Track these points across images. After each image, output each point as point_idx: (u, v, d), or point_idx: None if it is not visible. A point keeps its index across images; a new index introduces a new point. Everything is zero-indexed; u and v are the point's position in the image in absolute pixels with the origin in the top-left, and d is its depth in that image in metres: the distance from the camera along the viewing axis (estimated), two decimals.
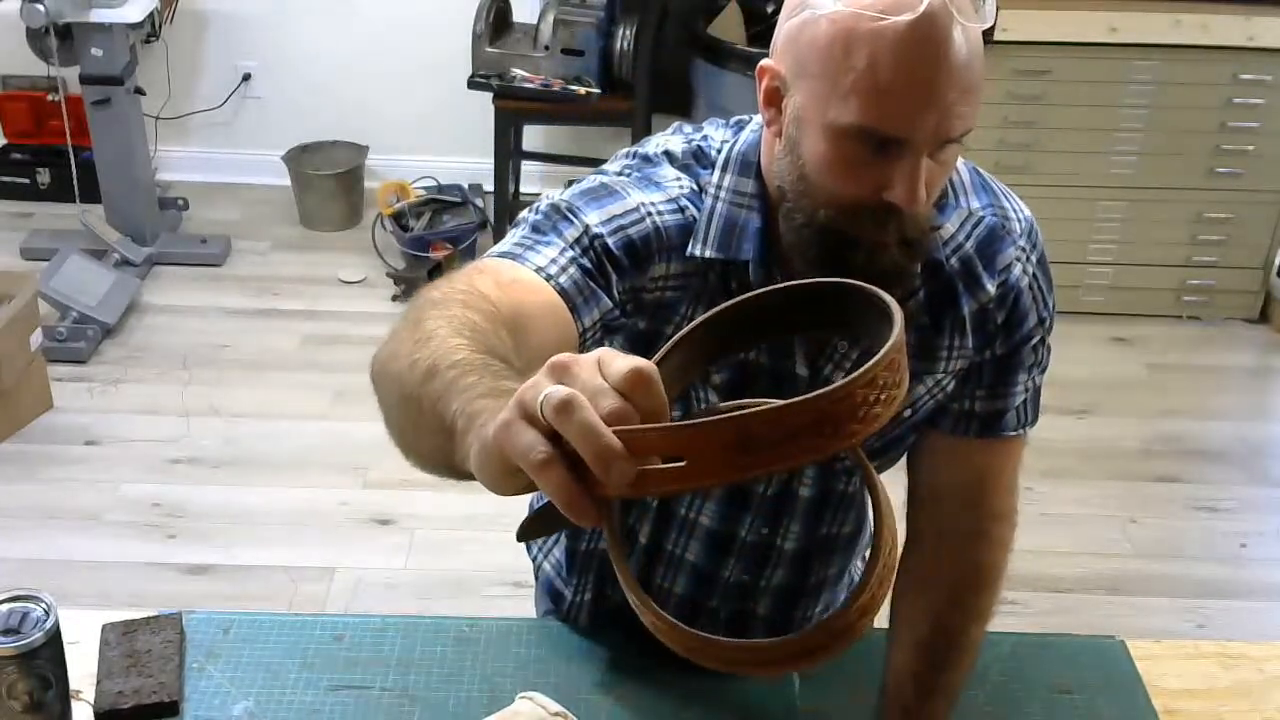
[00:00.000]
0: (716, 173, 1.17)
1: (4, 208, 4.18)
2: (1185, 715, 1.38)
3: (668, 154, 1.19)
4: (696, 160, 1.18)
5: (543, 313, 1.02)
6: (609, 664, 1.42)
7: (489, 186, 3.97)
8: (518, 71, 3.74)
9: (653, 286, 1.15)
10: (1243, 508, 3.12)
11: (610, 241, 1.10)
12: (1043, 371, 1.30)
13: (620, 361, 0.70)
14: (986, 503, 1.31)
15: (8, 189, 4.20)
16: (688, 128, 1.24)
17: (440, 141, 4.20)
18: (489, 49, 3.76)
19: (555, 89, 3.67)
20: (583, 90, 3.67)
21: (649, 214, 1.13)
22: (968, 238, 1.19)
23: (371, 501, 3.01)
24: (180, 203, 4.16)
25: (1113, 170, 3.64)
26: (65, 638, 1.28)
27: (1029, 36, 3.46)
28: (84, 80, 3.67)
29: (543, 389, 0.69)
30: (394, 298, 3.76)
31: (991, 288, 1.19)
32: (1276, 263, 3.78)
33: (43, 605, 1.27)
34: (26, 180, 4.19)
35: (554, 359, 0.71)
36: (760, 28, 3.84)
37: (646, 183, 1.16)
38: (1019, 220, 1.23)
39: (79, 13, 3.53)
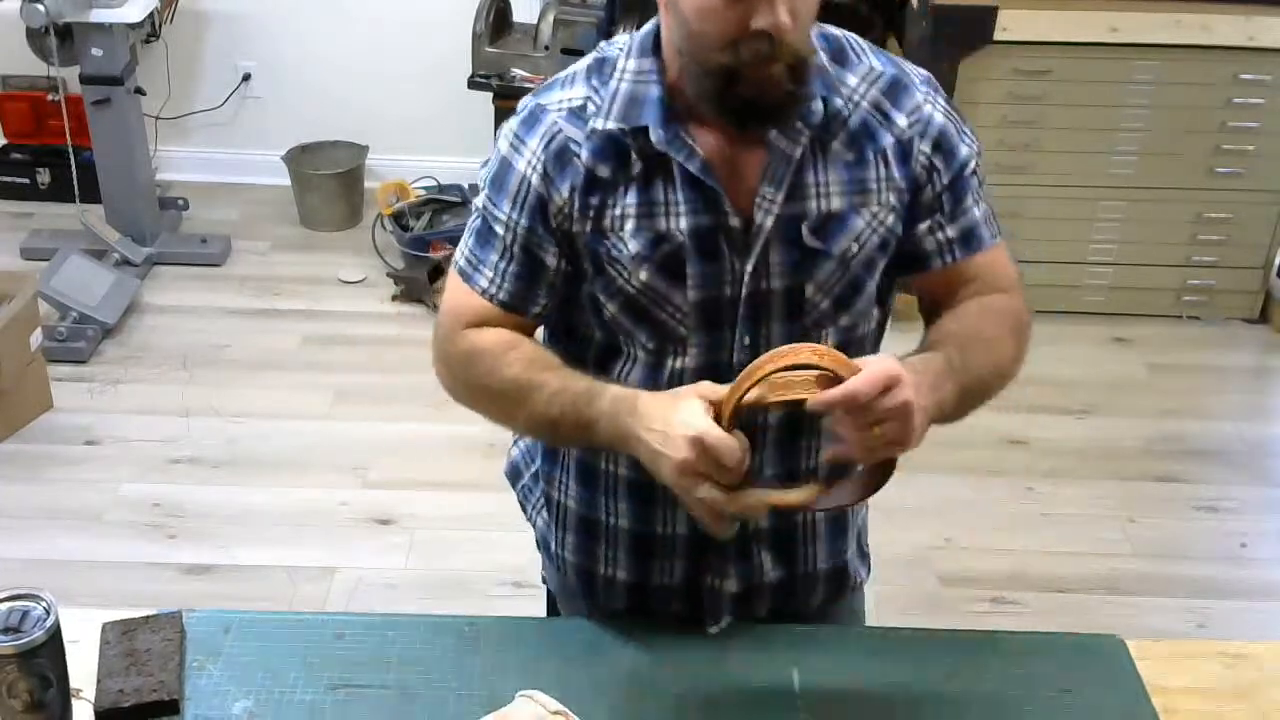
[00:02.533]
0: (621, 60, 1.35)
1: (4, 208, 4.18)
2: (1185, 715, 1.38)
3: (571, 78, 1.37)
4: (597, 70, 1.36)
5: (502, 321, 1.39)
6: (609, 663, 1.42)
7: None
8: (518, 71, 3.74)
9: (561, 215, 1.35)
10: (1243, 508, 3.12)
11: (521, 228, 1.36)
12: (984, 187, 1.44)
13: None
14: (991, 286, 1.43)
15: (8, 189, 4.20)
16: (603, 45, 1.40)
17: (440, 141, 4.20)
18: (489, 49, 3.76)
19: None
20: None
21: (532, 168, 1.35)
22: (870, 86, 1.36)
23: (371, 501, 3.01)
24: (180, 203, 4.16)
25: (1113, 170, 3.64)
26: (65, 637, 1.28)
27: (1029, 36, 3.46)
28: (84, 80, 3.67)
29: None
30: (394, 298, 3.75)
31: (902, 120, 1.36)
32: (1276, 263, 3.78)
33: (43, 604, 1.27)
34: (26, 180, 4.19)
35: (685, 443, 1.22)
36: None
37: (527, 134, 1.36)
38: (915, 75, 1.40)
39: (79, 13, 3.53)
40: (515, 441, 1.63)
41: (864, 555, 1.64)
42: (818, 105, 1.30)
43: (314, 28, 4.15)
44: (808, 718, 1.37)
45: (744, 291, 1.35)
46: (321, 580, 2.78)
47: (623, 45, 1.37)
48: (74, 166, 3.79)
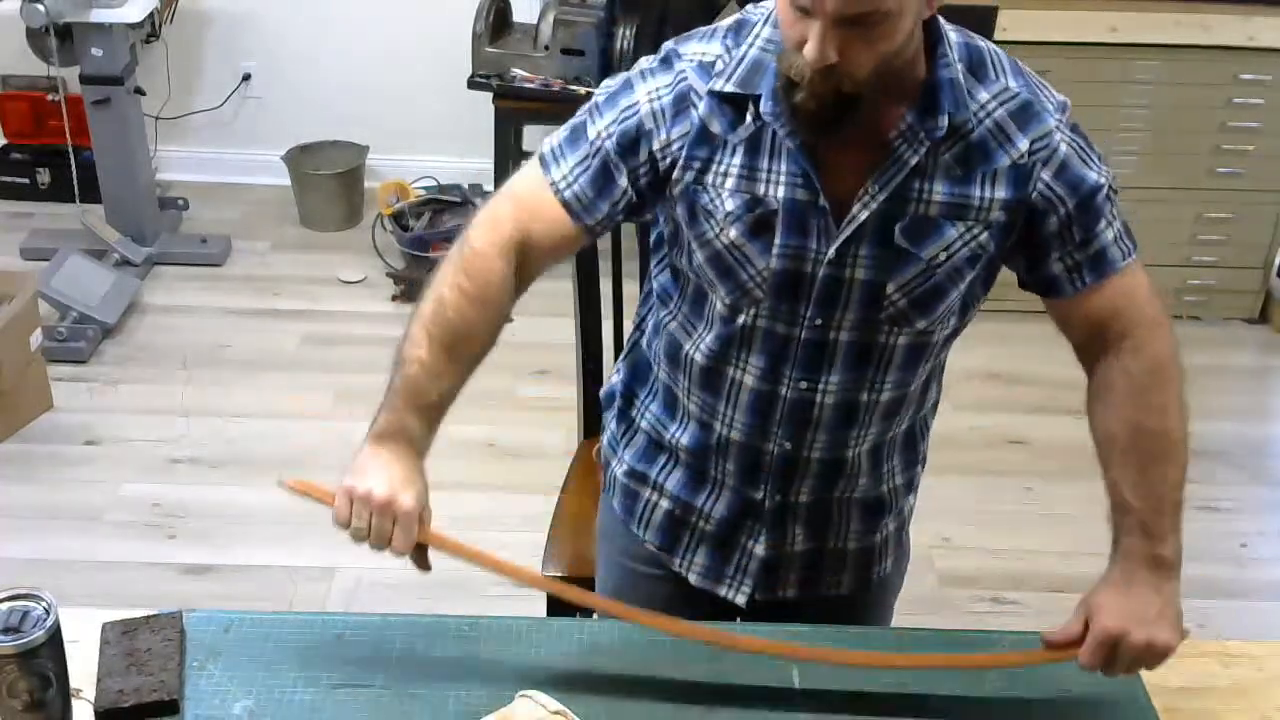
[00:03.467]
0: (758, 25, 1.37)
1: (4, 208, 4.18)
2: (1185, 715, 1.39)
3: (711, 33, 1.40)
4: (735, 31, 1.38)
5: (548, 223, 1.42)
6: (609, 663, 1.42)
7: (489, 186, 3.96)
8: (518, 71, 3.74)
9: (662, 154, 1.38)
10: (1243, 508, 3.12)
11: (609, 145, 1.39)
12: (1116, 206, 1.44)
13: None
14: (1133, 320, 1.43)
15: (8, 189, 4.20)
16: (752, 4, 1.42)
17: (440, 141, 4.20)
18: (489, 49, 3.76)
19: (555, 89, 3.67)
20: (583, 90, 3.67)
21: (649, 101, 1.38)
22: (1000, 105, 1.35)
23: None
24: (180, 203, 4.16)
25: (1112, 170, 3.63)
26: (65, 637, 1.28)
27: (1029, 36, 3.45)
28: (84, 80, 3.67)
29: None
30: (394, 298, 3.76)
31: (1024, 144, 1.35)
32: (1276, 263, 3.78)
33: (43, 604, 1.27)
34: (26, 180, 4.19)
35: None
36: None
37: (658, 70, 1.40)
38: (1051, 100, 1.39)
39: (79, 13, 3.53)
40: (617, 368, 1.69)
41: (901, 548, 1.66)
42: (944, 120, 1.31)
43: (314, 28, 4.15)
44: (808, 718, 1.37)
45: (822, 273, 1.37)
46: (321, 580, 2.78)
47: (766, 10, 1.38)
48: (74, 166, 3.79)
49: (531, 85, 3.71)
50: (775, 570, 1.57)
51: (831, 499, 1.54)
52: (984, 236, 1.37)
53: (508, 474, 3.04)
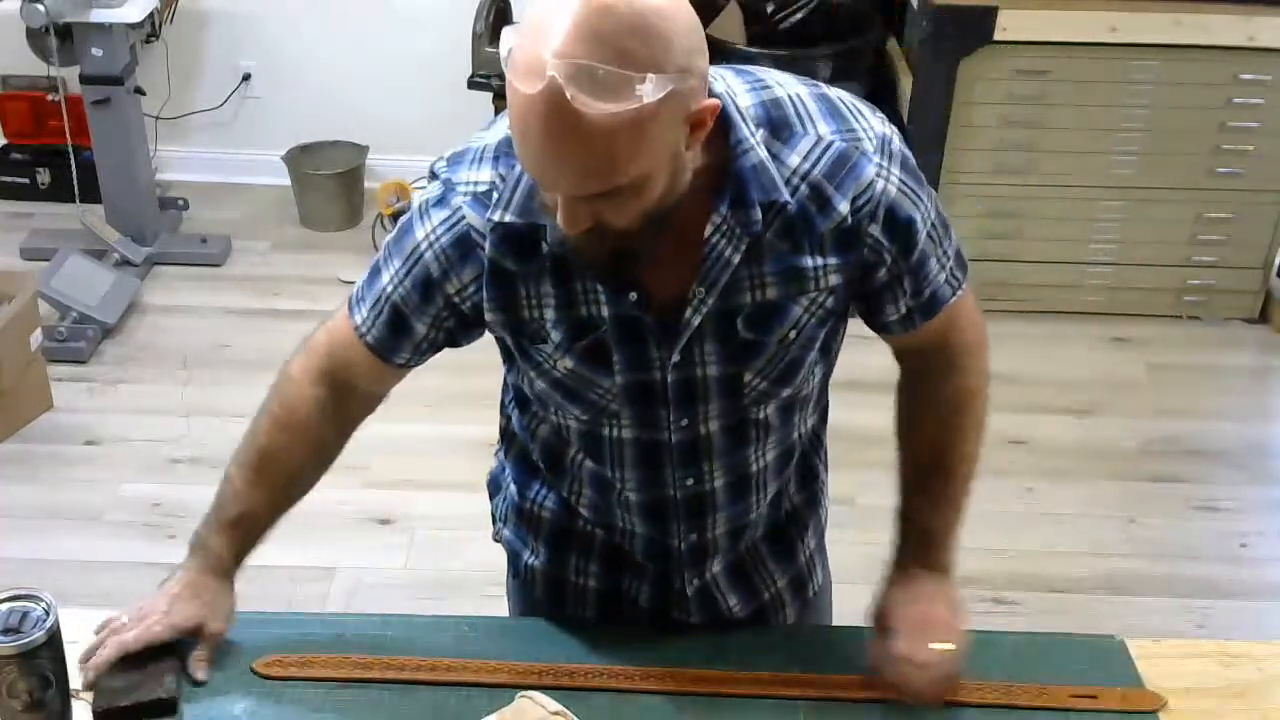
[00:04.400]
0: None
1: (4, 208, 4.18)
2: (1185, 715, 1.38)
3: (480, 154, 1.29)
4: (508, 150, 1.24)
5: (360, 359, 1.39)
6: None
7: None
8: None
9: (460, 299, 1.31)
10: (1243, 508, 3.12)
11: (399, 294, 1.33)
12: (949, 238, 1.37)
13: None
14: (952, 346, 1.42)
15: (8, 189, 4.20)
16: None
17: (440, 141, 4.14)
18: (489, 49, 3.75)
19: None
20: None
21: (428, 245, 1.29)
22: (814, 164, 1.24)
23: (371, 501, 3.01)
24: (180, 203, 4.16)
25: (1113, 170, 3.64)
26: (65, 637, 1.28)
27: (1029, 36, 3.45)
28: (84, 80, 3.67)
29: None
30: None
31: (843, 207, 1.25)
32: (1276, 263, 3.78)
33: (43, 604, 1.27)
34: (26, 180, 4.19)
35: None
36: (760, 28, 3.84)
37: (434, 208, 1.29)
38: (869, 139, 1.26)
39: (79, 13, 3.53)
40: (496, 453, 1.63)
41: (823, 553, 1.63)
42: (755, 213, 1.21)
43: (314, 28, 4.15)
44: (808, 718, 1.37)
45: (670, 378, 1.31)
46: (321, 580, 2.78)
47: None
48: (74, 166, 3.79)
49: None
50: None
51: (742, 556, 1.51)
52: (830, 302, 1.31)
53: None
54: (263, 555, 2.87)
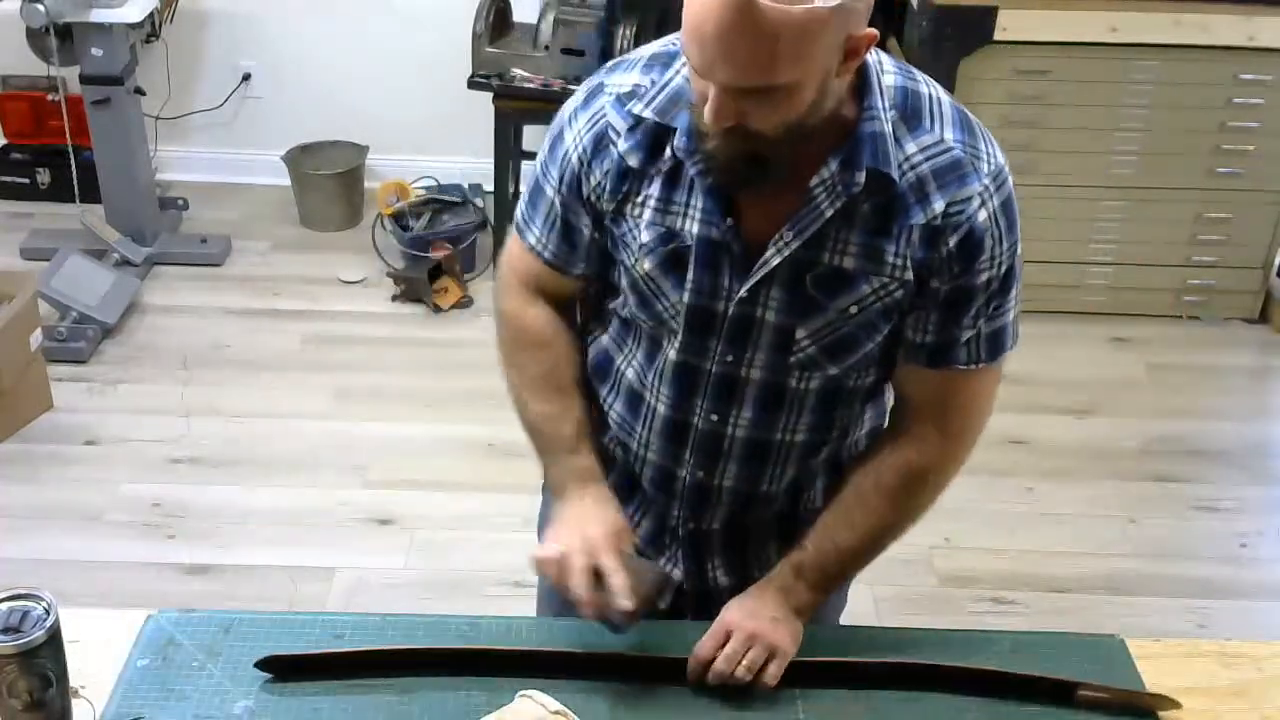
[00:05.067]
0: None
1: (4, 208, 4.18)
2: (1185, 715, 1.38)
3: (636, 61, 1.38)
4: (663, 60, 1.36)
5: (549, 280, 1.49)
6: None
7: (489, 186, 3.96)
8: (518, 71, 3.74)
9: (594, 194, 1.39)
10: (1243, 508, 3.12)
11: (560, 199, 1.42)
12: (998, 310, 1.38)
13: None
14: (937, 419, 1.43)
15: (8, 189, 4.20)
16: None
17: (440, 141, 4.20)
18: (489, 49, 3.75)
19: (555, 89, 3.67)
20: None
21: (575, 145, 1.39)
22: (926, 160, 1.30)
23: (371, 501, 3.01)
24: (180, 203, 4.16)
25: (1113, 170, 3.64)
26: (65, 637, 1.28)
27: (1029, 36, 3.46)
28: (84, 80, 3.67)
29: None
30: (394, 298, 3.75)
31: (939, 205, 1.29)
32: (1276, 263, 3.78)
33: (43, 604, 1.27)
34: (26, 180, 4.19)
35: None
36: None
37: (581, 110, 1.39)
38: (988, 162, 1.32)
39: (79, 13, 3.53)
40: None
41: None
42: (860, 176, 1.27)
43: (314, 28, 4.15)
44: (808, 718, 1.37)
45: (733, 311, 1.36)
46: (321, 580, 2.78)
47: None
48: (74, 166, 3.79)
49: (531, 85, 3.71)
50: (705, 608, 1.54)
51: (746, 525, 1.54)
52: (899, 294, 1.34)
53: (507, 474, 3.04)
54: (263, 555, 2.89)
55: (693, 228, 1.34)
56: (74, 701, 1.32)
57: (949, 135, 1.31)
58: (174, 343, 3.57)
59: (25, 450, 3.15)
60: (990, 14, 3.41)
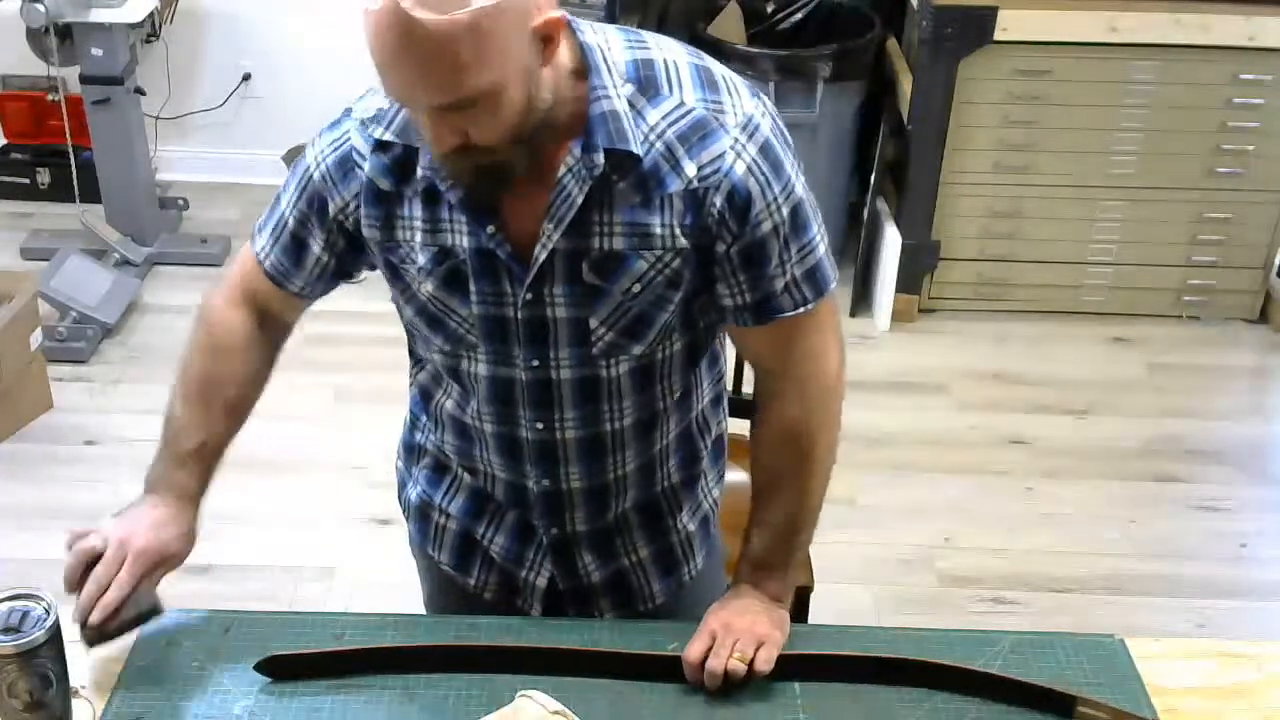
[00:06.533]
0: None
1: (4, 208, 4.18)
2: (1185, 715, 1.38)
3: (375, 87, 1.35)
4: None
5: (264, 288, 1.49)
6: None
7: None
8: None
9: (344, 216, 1.38)
10: (1243, 508, 3.12)
11: (293, 215, 1.42)
12: (802, 251, 1.36)
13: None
14: (789, 372, 1.43)
15: (8, 189, 4.20)
16: None
17: None
18: None
19: None
20: None
21: (316, 165, 1.39)
22: (671, 125, 1.28)
23: (371, 501, 3.01)
24: (180, 203, 4.16)
25: (1113, 170, 3.64)
26: (65, 637, 1.28)
27: (1029, 36, 3.46)
28: (84, 80, 3.67)
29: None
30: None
31: (692, 169, 1.28)
32: (1276, 263, 3.78)
33: (43, 604, 1.27)
34: (26, 180, 4.19)
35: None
36: (760, 28, 3.84)
37: (326, 130, 1.41)
38: (734, 113, 1.30)
39: (79, 13, 3.53)
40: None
41: (710, 542, 1.64)
42: (599, 157, 1.26)
43: (314, 28, 4.14)
44: (808, 718, 1.37)
45: (521, 315, 1.35)
46: (321, 580, 2.78)
47: None
48: (74, 166, 3.79)
49: None
50: (584, 601, 1.58)
51: (607, 520, 1.54)
52: (677, 263, 1.33)
53: None
54: (263, 555, 2.88)
55: (463, 241, 1.33)
56: (74, 701, 1.32)
57: (690, 97, 1.29)
58: (174, 343, 3.52)
59: (25, 450, 3.15)
60: (990, 14, 3.41)
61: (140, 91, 3.83)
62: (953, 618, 2.70)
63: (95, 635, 1.36)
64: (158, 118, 4.15)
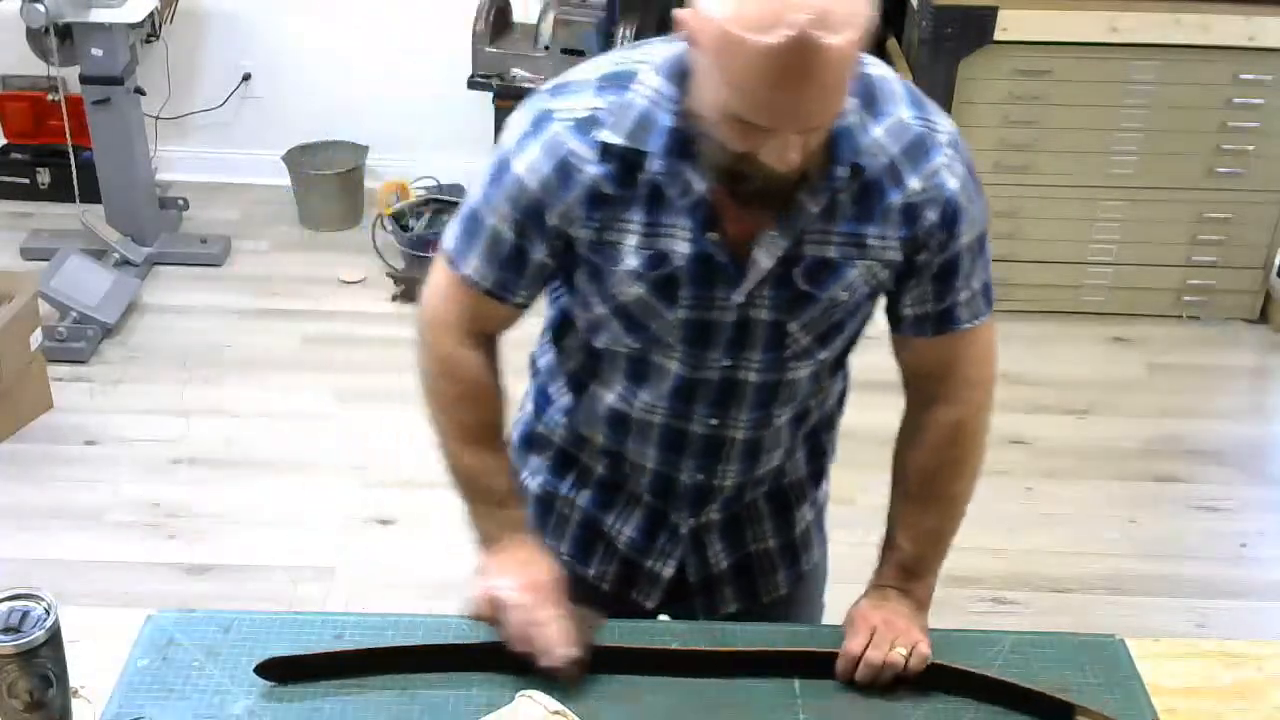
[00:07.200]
0: (644, 73, 1.33)
1: (4, 208, 4.18)
2: (1185, 715, 1.38)
3: (582, 85, 1.35)
4: (614, 81, 1.34)
5: (485, 310, 1.44)
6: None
7: None
8: (518, 71, 3.74)
9: (563, 220, 1.36)
10: (1243, 508, 3.12)
11: (507, 229, 1.38)
12: (982, 262, 1.43)
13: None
14: (956, 376, 1.47)
15: (8, 189, 4.20)
16: (631, 50, 1.39)
17: (440, 141, 4.20)
18: (489, 49, 3.76)
19: None
20: None
21: (531, 173, 1.35)
22: (893, 140, 1.33)
23: (371, 501, 3.01)
24: (180, 203, 4.16)
25: (1113, 170, 3.64)
26: (65, 637, 1.28)
27: (1029, 36, 3.46)
28: (84, 80, 3.67)
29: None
30: (394, 298, 3.75)
31: (915, 183, 1.33)
32: (1276, 263, 3.78)
33: (43, 604, 1.27)
34: (26, 180, 4.19)
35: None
36: None
37: (531, 138, 1.35)
38: (944, 133, 1.36)
39: (79, 13, 3.53)
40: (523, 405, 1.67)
41: (821, 534, 1.68)
42: (842, 170, 1.30)
43: (314, 28, 4.15)
44: (808, 717, 1.37)
45: (733, 319, 1.37)
46: (321, 580, 2.78)
47: (648, 59, 1.34)
48: (74, 166, 3.79)
49: (532, 85, 3.71)
50: (710, 591, 1.60)
51: (743, 511, 1.57)
52: (884, 274, 1.38)
53: None
54: (263, 555, 2.89)
55: (681, 247, 1.34)
56: (74, 701, 1.32)
57: (906, 114, 1.34)
58: (174, 343, 3.58)
59: (25, 450, 3.15)
60: (990, 14, 3.41)
61: (140, 91, 3.83)
62: (953, 618, 2.68)
63: (574, 670, 1.38)
64: (158, 118, 4.15)
